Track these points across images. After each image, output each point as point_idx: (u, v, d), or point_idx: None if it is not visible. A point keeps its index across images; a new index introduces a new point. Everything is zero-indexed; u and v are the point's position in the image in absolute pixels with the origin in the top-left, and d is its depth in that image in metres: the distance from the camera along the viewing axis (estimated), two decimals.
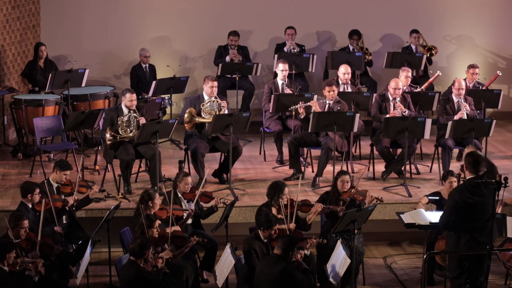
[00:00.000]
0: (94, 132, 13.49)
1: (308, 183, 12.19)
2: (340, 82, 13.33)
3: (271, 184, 10.36)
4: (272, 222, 9.66)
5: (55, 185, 10.61)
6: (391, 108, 12.51)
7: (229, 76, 15.00)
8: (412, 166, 12.79)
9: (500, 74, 14.26)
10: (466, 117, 12.28)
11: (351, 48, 15.43)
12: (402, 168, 12.22)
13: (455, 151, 13.13)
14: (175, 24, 15.88)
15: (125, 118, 11.70)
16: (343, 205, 10.42)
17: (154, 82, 14.07)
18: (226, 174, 12.13)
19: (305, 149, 12.73)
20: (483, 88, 13.81)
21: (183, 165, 12.25)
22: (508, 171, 12.46)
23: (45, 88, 13.76)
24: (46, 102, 13.29)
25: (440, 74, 13.99)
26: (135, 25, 15.78)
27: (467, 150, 10.60)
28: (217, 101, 12.12)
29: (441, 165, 12.43)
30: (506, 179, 8.86)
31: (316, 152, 12.64)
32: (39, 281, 9.09)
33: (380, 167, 12.61)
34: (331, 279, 9.66)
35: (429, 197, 10.73)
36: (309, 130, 11.94)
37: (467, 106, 12.39)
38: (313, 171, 12.64)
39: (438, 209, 10.47)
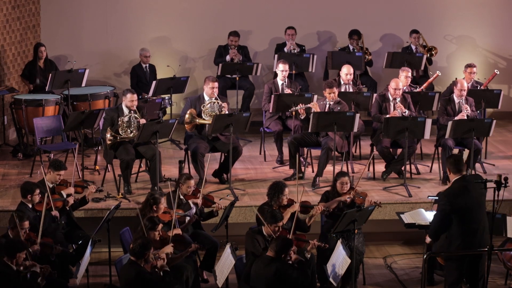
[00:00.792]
0: (94, 132, 13.49)
1: (308, 183, 12.19)
2: (342, 82, 13.33)
3: (271, 184, 10.37)
4: (277, 218, 9.68)
5: (50, 185, 10.61)
6: (391, 108, 12.51)
7: (229, 76, 15.00)
8: (412, 166, 12.78)
9: (498, 72, 14.26)
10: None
11: (351, 48, 15.43)
12: (402, 168, 12.22)
13: (455, 151, 13.13)
14: (175, 24, 15.88)
15: (126, 119, 11.69)
16: (342, 206, 10.42)
17: (154, 82, 14.07)
18: (226, 174, 12.13)
19: (305, 149, 12.73)
20: (481, 87, 13.80)
21: (183, 165, 12.25)
22: (508, 171, 12.47)
23: (45, 88, 13.75)
24: (46, 102, 13.29)
25: (440, 74, 13.99)
26: (135, 25, 15.78)
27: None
28: (218, 102, 12.11)
29: (441, 165, 12.43)
30: (506, 179, 8.87)
31: (316, 152, 12.64)
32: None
33: (380, 167, 12.61)
34: (331, 279, 9.66)
35: (432, 197, 10.72)
36: (309, 130, 11.94)
37: (468, 108, 12.38)
38: (313, 171, 12.64)
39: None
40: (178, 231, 9.94)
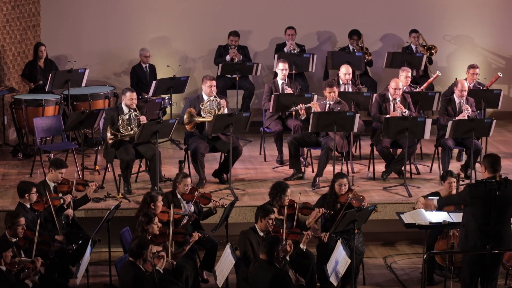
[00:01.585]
0: (94, 132, 13.49)
1: (308, 183, 12.19)
2: (341, 82, 13.33)
3: (273, 184, 10.37)
4: (269, 211, 9.68)
5: (52, 184, 10.62)
6: (391, 108, 12.51)
7: (229, 76, 15.00)
8: (412, 166, 12.79)
9: (501, 75, 14.26)
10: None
11: (351, 48, 15.43)
12: (402, 168, 12.22)
13: (455, 151, 13.14)
14: (175, 24, 15.88)
15: (126, 117, 11.70)
16: (340, 208, 10.42)
17: (154, 82, 14.07)
18: (226, 174, 12.13)
19: (305, 149, 12.73)
20: (484, 89, 13.80)
21: (183, 165, 12.25)
22: (508, 171, 12.46)
23: (45, 88, 13.75)
24: (46, 102, 13.29)
25: (440, 74, 13.99)
26: (135, 25, 15.78)
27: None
28: (217, 100, 12.12)
29: (441, 165, 12.43)
30: (506, 179, 8.88)
31: (316, 152, 12.64)
32: (39, 280, 9.08)
33: (380, 167, 12.61)
34: (331, 279, 9.65)
35: (429, 197, 10.71)
36: (309, 130, 11.94)
37: (469, 108, 12.37)
38: (313, 171, 12.64)
39: (437, 209, 10.45)
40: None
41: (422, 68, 15.13)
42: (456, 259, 10.13)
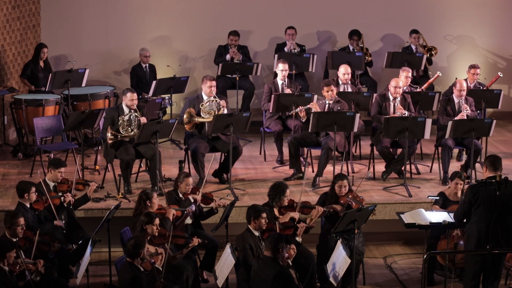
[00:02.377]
0: (94, 132, 13.49)
1: (308, 183, 12.19)
2: (340, 82, 13.33)
3: (273, 185, 10.38)
4: (260, 211, 9.70)
5: (52, 184, 10.62)
6: (391, 108, 12.51)
7: (229, 76, 15.00)
8: (412, 166, 12.79)
9: (501, 75, 14.26)
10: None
11: (351, 48, 15.43)
12: (402, 168, 12.22)
13: (455, 151, 13.14)
14: (175, 24, 15.88)
15: (126, 118, 11.70)
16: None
17: (154, 82, 14.07)
18: (226, 174, 12.13)
19: (305, 149, 12.73)
20: (484, 89, 13.79)
21: (183, 165, 12.26)
22: (508, 171, 12.45)
23: (45, 88, 13.76)
24: (46, 102, 13.29)
25: (440, 74, 13.99)
26: (135, 25, 15.78)
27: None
28: (216, 100, 12.12)
29: (441, 165, 12.43)
30: (506, 179, 8.88)
31: (316, 152, 12.64)
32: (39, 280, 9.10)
33: (380, 167, 12.61)
34: (331, 279, 9.65)
35: (432, 197, 10.71)
36: (309, 130, 11.94)
37: (468, 108, 12.38)
38: (313, 171, 12.64)
39: (457, 221, 10.40)
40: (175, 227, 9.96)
41: (422, 68, 15.12)
42: (458, 259, 10.13)
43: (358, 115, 11.91)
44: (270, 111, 12.98)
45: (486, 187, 8.80)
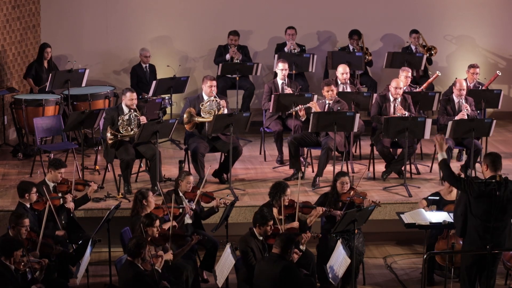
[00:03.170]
0: (94, 132, 13.49)
1: (308, 183, 12.19)
2: (339, 82, 13.34)
3: (273, 184, 10.38)
4: (267, 219, 9.68)
5: (51, 185, 10.62)
6: (392, 108, 12.51)
7: (229, 76, 15.00)
8: (412, 166, 12.79)
9: (500, 74, 14.26)
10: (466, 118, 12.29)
11: (351, 48, 15.43)
12: (402, 168, 12.22)
13: (455, 151, 13.14)
14: (175, 24, 15.88)
15: (126, 117, 11.71)
16: (342, 206, 10.42)
17: (154, 82, 14.08)
18: (226, 174, 12.14)
19: (305, 149, 12.73)
20: (483, 88, 13.80)
21: (183, 165, 12.26)
22: (508, 171, 12.46)
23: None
24: (46, 102, 13.29)
25: (440, 74, 13.99)
26: (135, 25, 15.78)
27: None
28: (216, 100, 12.12)
29: None
30: (506, 179, 8.88)
31: (316, 152, 12.65)
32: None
33: (380, 167, 12.61)
34: (331, 279, 9.66)
35: (429, 198, 10.71)
36: (309, 130, 11.94)
37: (468, 107, 12.39)
38: (313, 171, 12.64)
39: (438, 209, 10.46)
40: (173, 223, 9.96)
41: (422, 68, 15.12)
42: (457, 259, 10.13)
43: (358, 115, 11.92)
44: (270, 111, 12.98)
45: (486, 187, 8.79)
